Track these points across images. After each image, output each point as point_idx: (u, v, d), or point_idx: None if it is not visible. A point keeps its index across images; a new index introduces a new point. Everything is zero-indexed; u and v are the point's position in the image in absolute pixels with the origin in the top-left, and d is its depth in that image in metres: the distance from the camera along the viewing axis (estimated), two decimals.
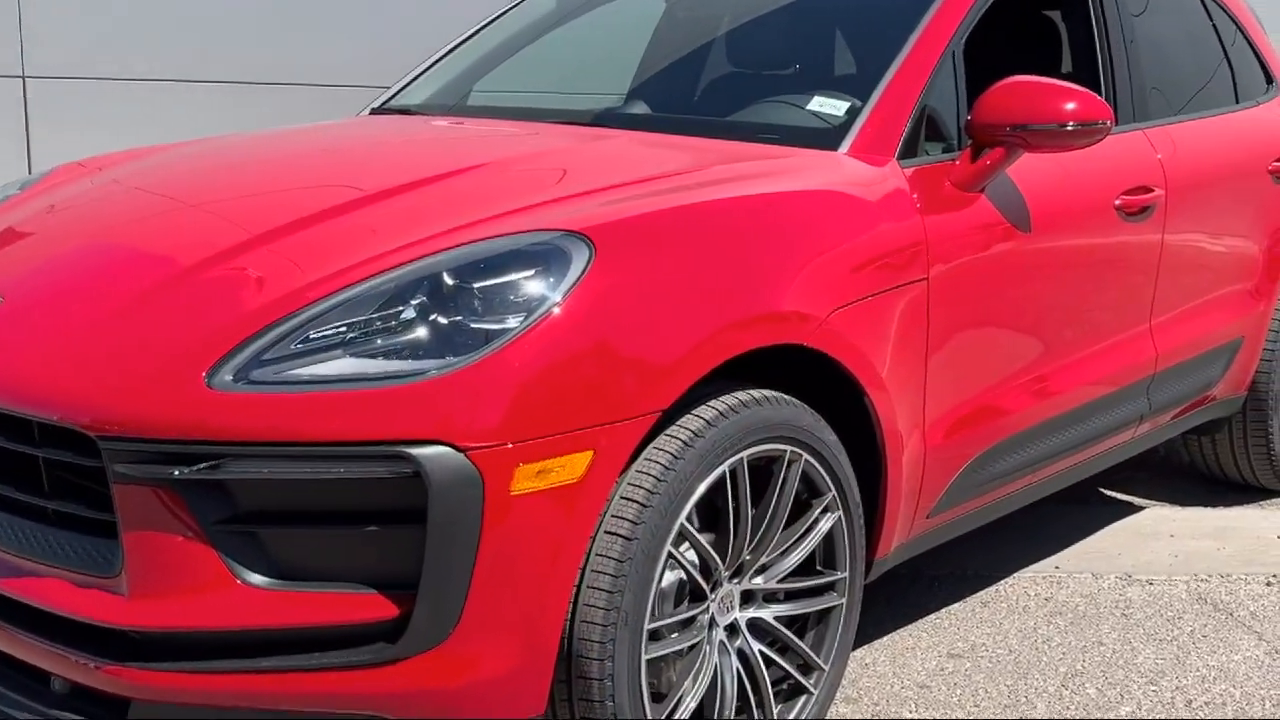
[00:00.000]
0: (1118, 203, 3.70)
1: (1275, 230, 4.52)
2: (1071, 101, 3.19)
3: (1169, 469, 5.18)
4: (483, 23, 4.26)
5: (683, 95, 3.93)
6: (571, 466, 2.29)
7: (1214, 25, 4.58)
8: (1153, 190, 3.82)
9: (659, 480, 2.43)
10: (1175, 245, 3.97)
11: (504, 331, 2.29)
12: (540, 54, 4.21)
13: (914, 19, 3.40)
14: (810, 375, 2.82)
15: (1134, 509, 4.83)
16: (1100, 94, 3.88)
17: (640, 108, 3.72)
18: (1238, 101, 4.62)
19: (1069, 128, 3.18)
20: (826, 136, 3.15)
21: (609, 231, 2.47)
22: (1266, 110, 4.68)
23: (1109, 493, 4.96)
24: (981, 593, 4.01)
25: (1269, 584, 4.12)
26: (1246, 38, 4.79)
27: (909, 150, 3.18)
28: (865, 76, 3.31)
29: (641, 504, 2.41)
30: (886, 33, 3.40)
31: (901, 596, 3.91)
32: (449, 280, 2.35)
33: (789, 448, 2.70)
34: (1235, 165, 4.31)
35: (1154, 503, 4.88)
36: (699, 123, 3.49)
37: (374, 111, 4.03)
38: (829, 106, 3.22)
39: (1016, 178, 3.34)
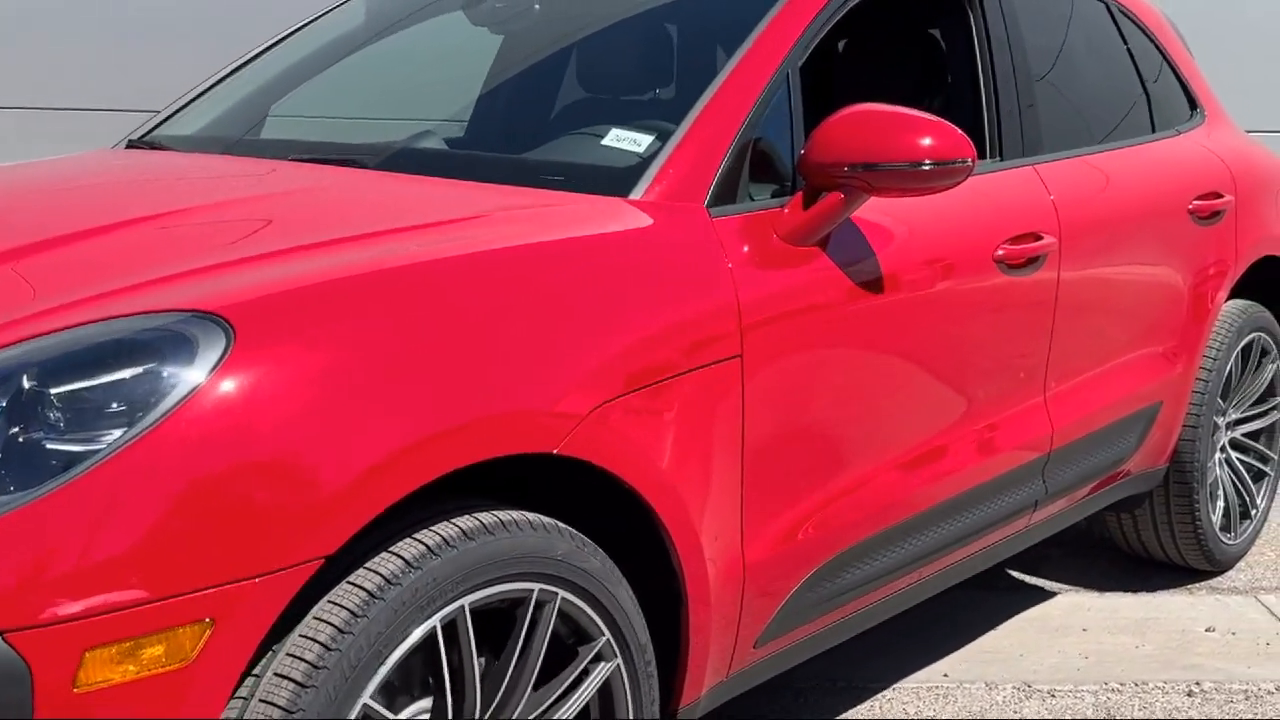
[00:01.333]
0: (1000, 253, 3.10)
1: (1197, 279, 3.92)
2: (926, 136, 2.59)
3: (1089, 545, 4.57)
4: (268, 42, 3.62)
5: (490, 128, 3.31)
6: (177, 645, 1.66)
7: (1129, 48, 4.00)
8: (1043, 238, 3.22)
9: (328, 650, 1.80)
10: (1074, 301, 3.38)
11: (88, 455, 1.66)
12: (345, 77, 3.58)
13: (744, 33, 2.79)
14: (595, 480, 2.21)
15: (1045, 595, 4.22)
16: (983, 124, 3.28)
17: (429, 142, 3.09)
18: (1154, 131, 4.02)
19: (924, 167, 2.57)
20: (617, 179, 2.53)
21: (258, 310, 1.85)
22: (1187, 141, 4.09)
23: (1019, 575, 4.35)
24: (854, 710, 3.39)
25: (1190, 694, 3.52)
26: (1168, 60, 4.21)
27: (726, 195, 2.57)
28: (679, 103, 2.69)
29: (300, 684, 1.78)
30: (711, 49, 2.79)
31: (753, 710, 3.29)
32: (26, 383, 1.72)
33: (537, 585, 2.08)
34: (1148, 204, 3.72)
35: (1069, 587, 4.28)
36: (479, 162, 2.87)
37: (130, 144, 3.39)
38: (627, 141, 2.61)
39: (866, 227, 2.74)
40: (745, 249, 2.51)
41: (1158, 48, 4.17)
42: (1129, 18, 4.05)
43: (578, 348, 2.14)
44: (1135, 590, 4.27)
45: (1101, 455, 3.63)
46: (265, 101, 3.48)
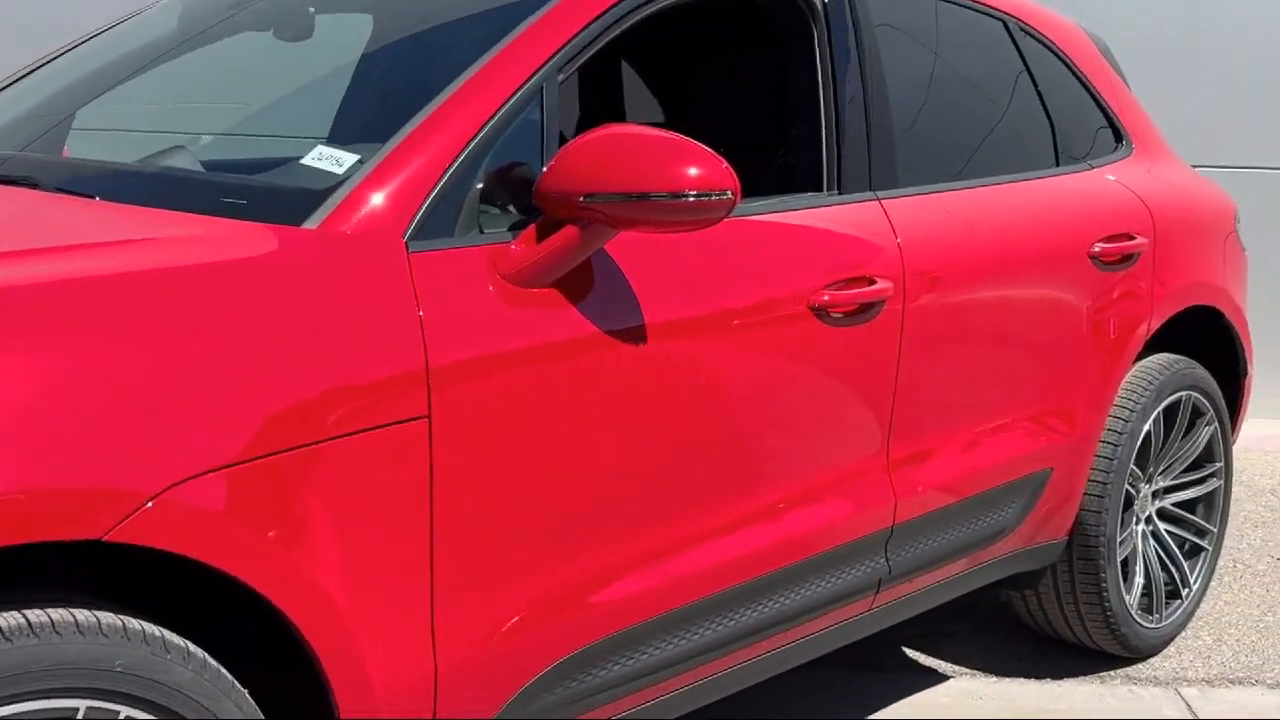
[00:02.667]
0: (823, 299, 2.69)
1: (1100, 331, 3.48)
2: (678, 164, 2.21)
3: (1002, 621, 4.12)
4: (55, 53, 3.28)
5: (241, 146, 2.94)
6: None
7: (1030, 73, 3.56)
8: (877, 282, 2.80)
9: None
10: (924, 356, 2.96)
11: None
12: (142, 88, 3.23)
13: (493, 39, 2.41)
14: None
15: (936, 679, 3.78)
16: (820, 154, 2.88)
17: (175, 160, 2.72)
18: (1058, 164, 3.59)
19: (667, 199, 2.18)
20: (298, 205, 2.16)
21: None
22: (1098, 176, 3.65)
23: (912, 654, 3.91)
24: None
25: None
26: (1087, 87, 3.78)
27: (440, 226, 2.20)
28: (399, 117, 2.31)
29: None
30: (462, 57, 2.42)
31: None
32: None
33: (84, 703, 1.70)
34: (1032, 247, 3.29)
35: (966, 670, 3.84)
36: (161, 182, 2.50)
37: None
38: (329, 161, 2.24)
39: (635, 267, 2.36)
40: (449, 290, 2.13)
41: (1073, 72, 3.75)
42: (1036, 38, 3.63)
43: (159, 408, 1.76)
44: (1041, 676, 3.82)
45: (971, 528, 3.20)
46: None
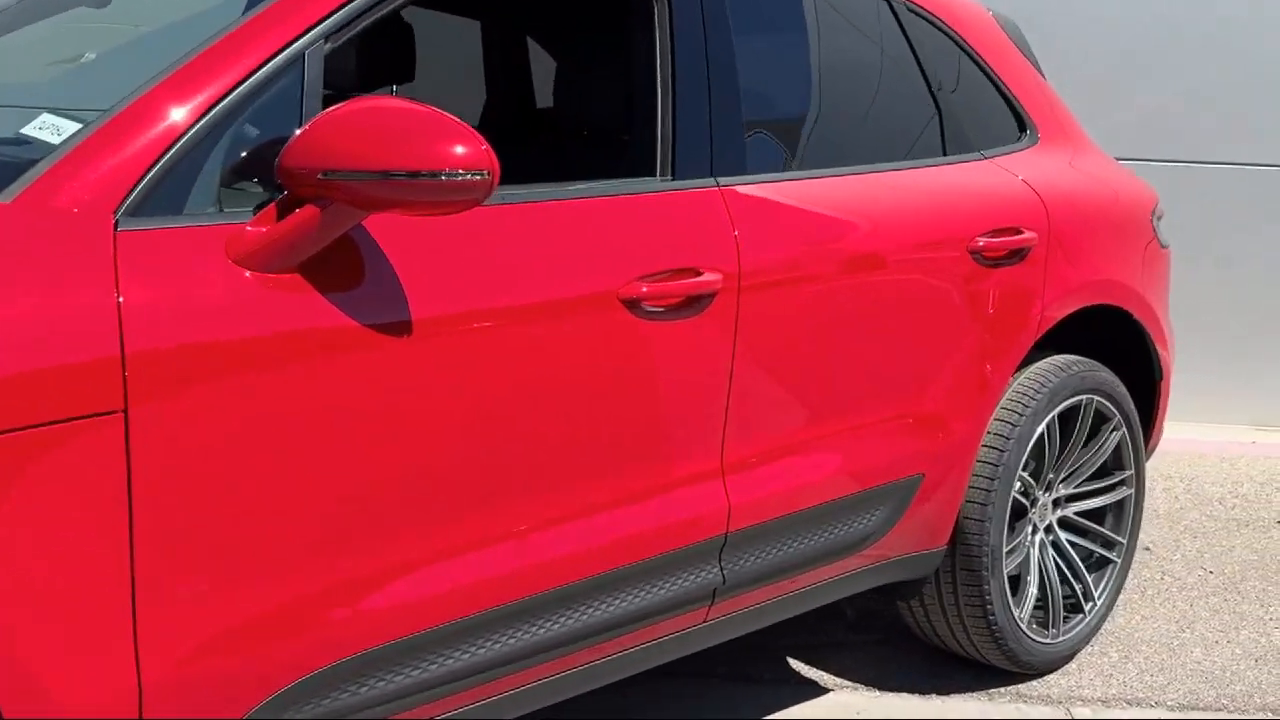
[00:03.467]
0: (641, 291, 2.51)
1: (982, 330, 3.28)
2: (441, 142, 2.06)
3: (897, 630, 3.93)
4: None
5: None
6: None
7: (915, 55, 3.37)
8: (704, 274, 2.62)
9: None
10: (765, 353, 2.79)
11: None
12: None
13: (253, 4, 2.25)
14: None
15: (816, 692, 3.61)
16: (655, 136, 2.70)
17: None
18: (945, 153, 3.39)
19: (431, 178, 2.01)
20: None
21: None
22: (991, 167, 3.45)
23: (795, 665, 3.74)
24: None
25: None
26: (986, 71, 3.58)
27: (166, 202, 2.03)
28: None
29: None
30: (212, 21, 2.26)
31: None
32: None
33: None
34: (900, 240, 3.10)
35: (848, 683, 3.66)
36: None
37: None
38: (49, 130, 2.08)
39: (406, 252, 2.19)
40: (163, 272, 1.96)
41: (970, 57, 3.55)
42: (925, 19, 3.43)
43: None
44: (928, 691, 3.64)
45: (826, 535, 3.02)
46: None
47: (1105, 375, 3.66)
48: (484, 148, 2.05)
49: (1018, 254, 3.35)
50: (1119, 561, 3.85)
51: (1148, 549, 4.70)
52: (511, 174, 2.26)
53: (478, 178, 2.04)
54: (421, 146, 2.00)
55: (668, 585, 2.70)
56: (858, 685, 3.65)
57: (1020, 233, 3.35)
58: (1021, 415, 3.44)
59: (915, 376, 3.16)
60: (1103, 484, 3.81)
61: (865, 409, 3.05)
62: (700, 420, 2.70)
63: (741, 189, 2.80)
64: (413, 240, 2.22)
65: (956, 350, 3.23)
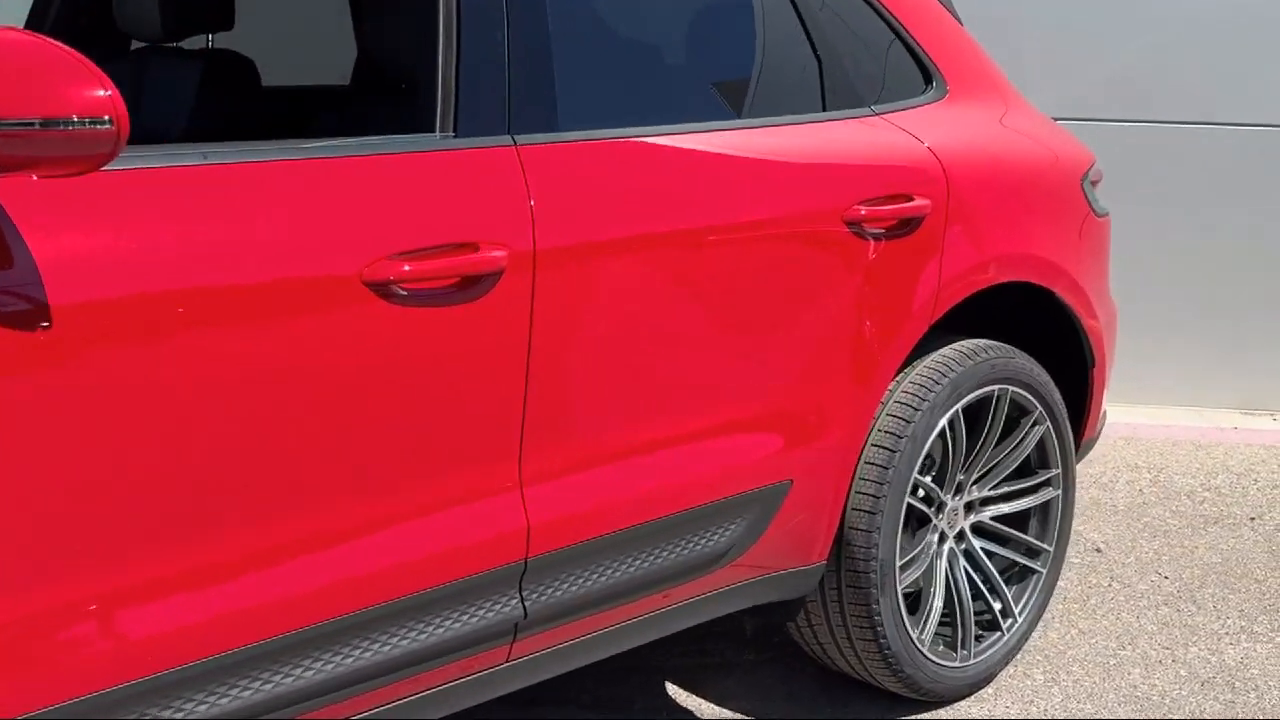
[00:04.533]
0: (398, 271, 2.09)
1: (862, 315, 2.84)
2: (51, 83, 1.60)
3: (791, 649, 3.49)
4: None
5: None
6: None
7: None
8: (481, 249, 2.18)
9: None
10: (574, 347, 2.36)
11: None
12: None
13: None
14: None
15: None
16: (435, 81, 2.26)
17: None
18: (825, 108, 2.93)
19: (23, 126, 1.59)
20: None
21: None
22: (878, 124, 2.99)
23: (672, 690, 3.31)
24: None
25: None
26: (882, 15, 3.12)
27: None
28: None
29: None
30: None
31: None
32: None
33: None
34: (758, 207, 2.65)
35: (726, 712, 3.24)
36: None
37: None
38: None
39: (42, 226, 1.78)
40: None
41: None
42: None
43: None
44: (817, 718, 3.20)
45: (663, 557, 2.60)
46: None
47: (1021, 362, 3.21)
48: (107, 94, 1.62)
49: (907, 224, 2.90)
50: (1044, 572, 3.41)
51: (1099, 550, 4.25)
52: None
53: (97, 127, 1.62)
54: (14, 88, 1.58)
55: (451, 621, 2.29)
56: (737, 714, 3.22)
57: (910, 199, 2.90)
58: (916, 410, 2.99)
59: (777, 368, 2.72)
60: (1025, 485, 3.36)
61: (712, 407, 2.62)
62: (487, 424, 2.27)
63: (546, 148, 2.36)
64: (62, 210, 1.80)
65: (829, 337, 2.79)
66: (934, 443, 3.07)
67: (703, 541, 2.65)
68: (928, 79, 3.22)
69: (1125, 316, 5.67)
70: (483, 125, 2.30)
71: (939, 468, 3.15)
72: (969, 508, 3.29)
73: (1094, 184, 3.49)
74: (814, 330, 2.76)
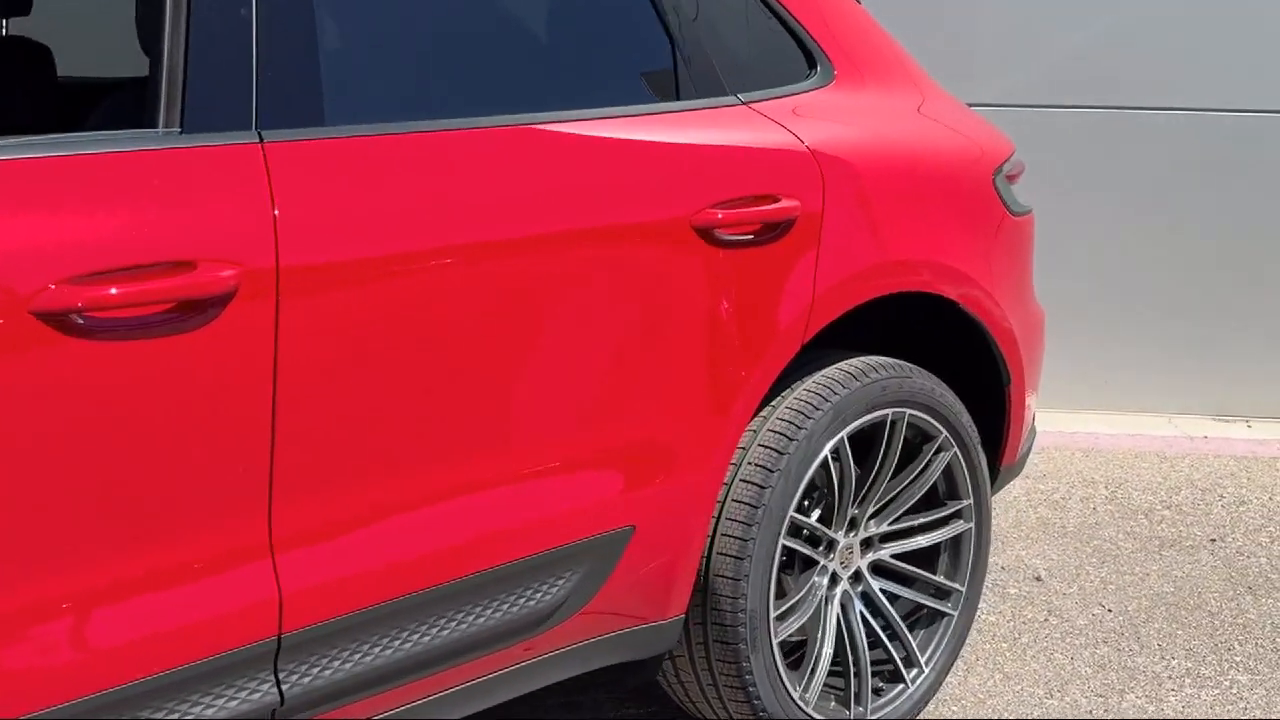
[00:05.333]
0: (112, 293, 1.73)
1: (721, 333, 2.46)
2: None
3: (672, 702, 3.10)
4: None
5: None
6: None
7: None
8: (199, 267, 1.82)
9: None
10: (341, 378, 2.00)
11: None
12: None
13: None
14: None
15: None
16: (161, 67, 1.90)
17: None
18: (679, 96, 2.55)
19: None
20: None
21: None
22: (743, 115, 2.61)
23: None
24: None
25: None
26: None
27: None
28: None
29: None
30: None
31: None
32: None
33: None
34: (580, 212, 2.28)
35: None
36: None
37: None
38: None
39: None
40: None
41: None
42: None
43: None
44: None
45: (469, 621, 2.22)
46: None
47: (920, 382, 2.83)
48: None
49: (774, 229, 2.53)
50: (956, 615, 3.03)
51: (1039, 579, 3.87)
52: None
53: None
54: None
55: (188, 712, 1.91)
56: None
57: (776, 200, 2.52)
58: (791, 440, 2.62)
59: (612, 399, 2.35)
60: (932, 518, 2.98)
61: (530, 446, 2.25)
62: (218, 477, 1.90)
63: (302, 146, 1.98)
64: None
65: (677, 360, 2.41)
66: (818, 475, 2.69)
67: (521, 601, 2.28)
68: (811, 63, 2.83)
69: (1088, 315, 5.31)
70: (218, 119, 1.93)
71: (827, 502, 2.77)
72: (866, 545, 2.92)
73: (1012, 178, 3.10)
74: (658, 353, 2.39)
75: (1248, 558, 4.04)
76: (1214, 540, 4.16)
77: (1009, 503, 4.43)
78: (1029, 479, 4.63)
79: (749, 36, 2.75)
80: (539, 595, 2.31)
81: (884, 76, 2.96)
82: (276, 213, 1.91)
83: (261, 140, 1.95)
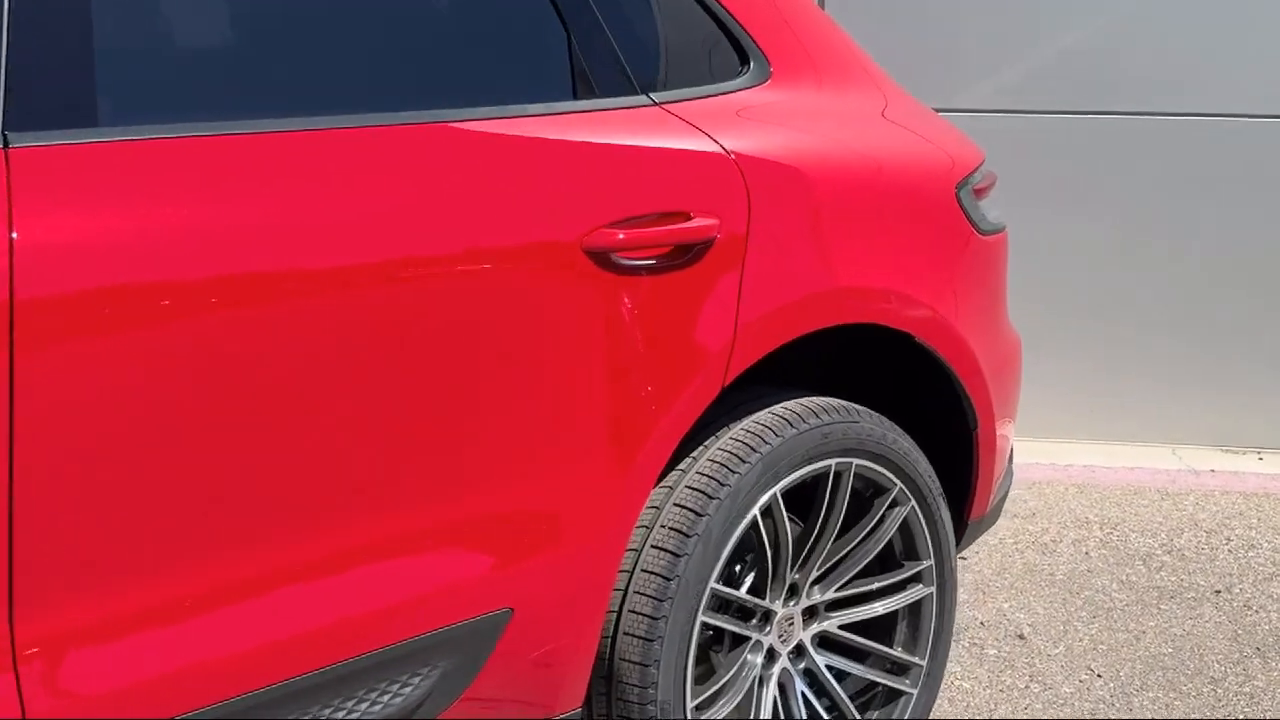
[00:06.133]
0: None
1: (620, 375, 2.07)
2: None
3: None
4: None
5: None
6: None
7: None
8: None
9: None
10: (102, 442, 1.60)
11: None
12: None
13: None
14: None
15: None
16: None
17: None
18: (576, 95, 2.16)
19: None
20: None
21: None
22: (662, 120, 2.22)
23: None
24: None
25: None
26: None
27: None
28: None
29: None
30: None
31: None
32: None
33: None
34: (434, 233, 1.88)
35: None
36: None
37: None
38: None
39: None
40: None
41: None
42: None
43: None
44: None
45: None
46: None
47: (869, 427, 2.43)
48: None
49: (687, 251, 2.13)
50: (915, 693, 2.63)
51: (1022, 637, 3.46)
52: None
53: None
54: None
55: None
56: None
57: (689, 219, 2.13)
58: (712, 499, 2.22)
59: (481, 458, 1.96)
60: (886, 582, 2.58)
61: (372, 517, 1.85)
62: None
63: (58, 153, 1.59)
64: None
65: (565, 409, 2.02)
66: (750, 537, 2.30)
67: (365, 706, 1.88)
68: (744, 59, 2.44)
69: (1084, 337, 4.88)
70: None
71: (762, 567, 2.38)
72: (810, 614, 2.52)
73: (980, 192, 2.70)
74: (539, 402, 1.99)
75: (1256, 612, 3.62)
76: (1219, 592, 3.75)
77: (994, 546, 4.02)
78: (1017, 518, 4.22)
79: (667, 26, 2.36)
80: (388, 698, 1.91)
81: (830, 76, 2.56)
82: (14, 235, 1.52)
83: (6, 145, 1.56)
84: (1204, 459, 4.82)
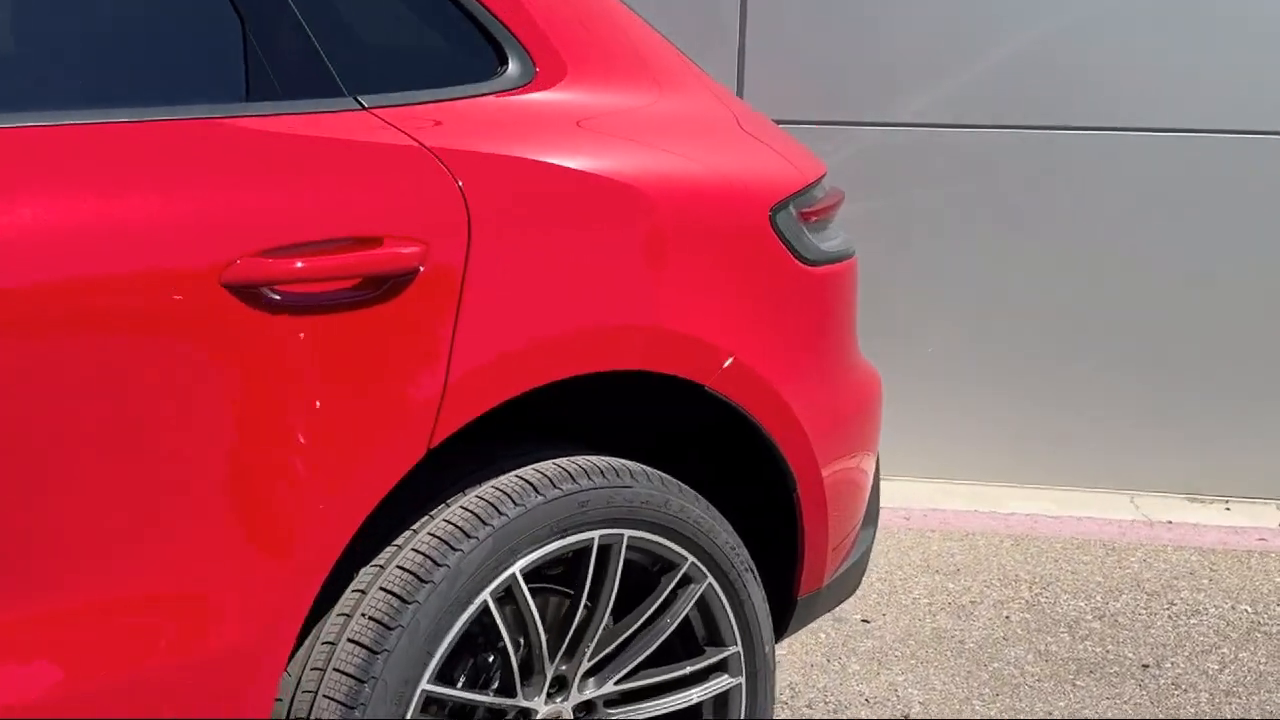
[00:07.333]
0: None
1: (276, 439, 1.71)
2: None
3: None
4: None
5: None
6: None
7: None
8: None
9: None
10: None
11: None
12: None
13: None
14: None
15: None
16: None
17: None
18: (250, 96, 1.80)
19: None
20: None
21: None
22: (368, 126, 1.85)
23: None
24: None
25: None
26: None
27: None
28: None
29: None
30: None
31: None
32: None
33: None
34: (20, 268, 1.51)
35: None
36: None
37: None
38: None
39: None
40: None
41: None
42: None
43: None
44: None
45: None
46: None
47: (644, 491, 2.06)
48: None
49: (379, 285, 1.76)
50: None
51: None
52: None
53: None
54: None
55: None
56: None
57: (379, 244, 1.75)
58: (424, 582, 1.86)
59: (78, 541, 1.58)
60: (682, 673, 2.19)
61: None
62: None
63: None
64: None
65: (198, 483, 1.64)
66: (496, 623, 1.92)
67: None
68: (502, 57, 2.06)
69: (1033, 372, 4.45)
70: None
71: (523, 657, 2.00)
72: (587, 709, 2.13)
73: (811, 216, 2.31)
74: (160, 475, 1.62)
75: (1184, 691, 3.19)
76: (1147, 666, 3.33)
77: (905, 607, 3.62)
78: (939, 575, 3.82)
79: (399, 20, 1.99)
80: None
81: (618, 76, 2.19)
82: None
83: None
84: (1164, 509, 4.40)
